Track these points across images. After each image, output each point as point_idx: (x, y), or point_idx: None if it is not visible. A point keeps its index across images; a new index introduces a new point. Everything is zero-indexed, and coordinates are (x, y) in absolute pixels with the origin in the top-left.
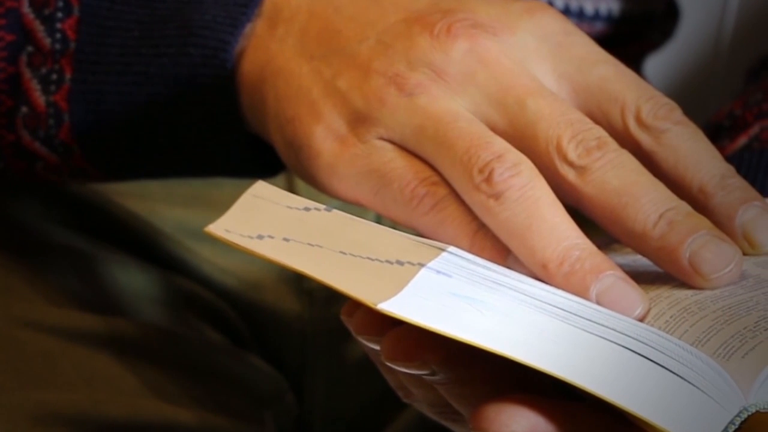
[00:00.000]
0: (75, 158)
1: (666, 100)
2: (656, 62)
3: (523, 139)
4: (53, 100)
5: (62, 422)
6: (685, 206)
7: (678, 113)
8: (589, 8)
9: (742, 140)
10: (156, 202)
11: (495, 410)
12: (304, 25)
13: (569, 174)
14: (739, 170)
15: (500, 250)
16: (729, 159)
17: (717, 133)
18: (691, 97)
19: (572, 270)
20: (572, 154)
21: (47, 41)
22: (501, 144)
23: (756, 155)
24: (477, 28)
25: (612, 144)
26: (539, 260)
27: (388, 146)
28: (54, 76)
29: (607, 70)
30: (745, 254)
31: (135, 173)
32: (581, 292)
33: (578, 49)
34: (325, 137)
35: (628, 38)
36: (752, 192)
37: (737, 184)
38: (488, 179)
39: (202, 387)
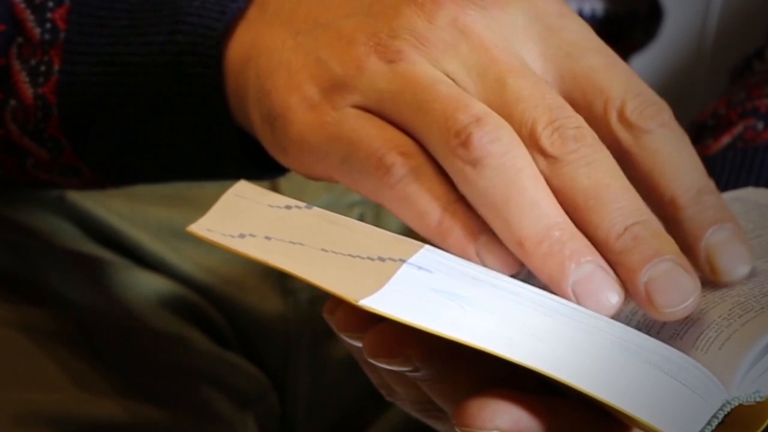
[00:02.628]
0: (65, 154)
1: (656, 99)
2: (640, 62)
3: None
4: (41, 92)
5: (45, 422)
6: (654, 222)
7: (666, 115)
8: (572, 8)
9: (726, 139)
10: (139, 202)
11: (478, 405)
12: (295, 7)
13: (539, 162)
14: (723, 169)
15: (471, 230)
16: (713, 158)
17: (701, 132)
18: (675, 96)
19: (551, 251)
20: (546, 141)
21: (37, 31)
22: (480, 107)
23: (740, 154)
24: None
25: (590, 137)
26: (516, 236)
27: (362, 113)
28: (42, 68)
29: (598, 60)
30: (704, 280)
31: (127, 172)
32: (558, 277)
33: (571, 33)
34: (298, 106)
35: (612, 38)
36: (727, 213)
37: (713, 201)
38: (466, 143)
39: (185, 387)
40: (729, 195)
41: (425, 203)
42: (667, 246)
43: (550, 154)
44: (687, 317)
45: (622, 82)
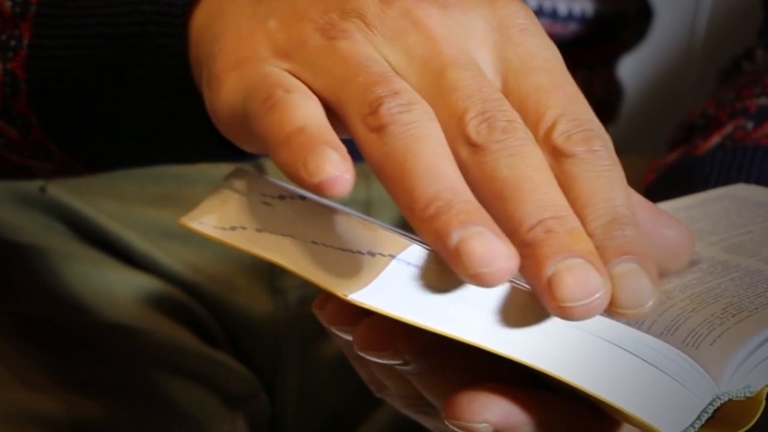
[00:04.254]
0: (35, 133)
1: (592, 126)
2: (630, 63)
3: (432, 108)
4: (10, 67)
5: (34, 422)
6: (572, 221)
7: (596, 143)
8: (562, 9)
9: (715, 139)
10: (129, 202)
11: (468, 399)
12: None
13: (462, 151)
14: (712, 168)
15: (313, 143)
16: (702, 158)
17: (690, 132)
18: (665, 96)
19: (437, 213)
20: (472, 130)
21: (8, 5)
22: (402, 85)
23: (729, 153)
24: None
25: (522, 131)
26: (407, 202)
27: (284, 72)
28: (12, 43)
29: (544, 80)
30: (698, 279)
31: (97, 153)
32: (442, 236)
33: (526, 49)
34: (233, 68)
35: (601, 39)
36: (637, 246)
37: (624, 233)
38: (374, 112)
39: (174, 387)
40: (720, 191)
41: (288, 117)
42: (580, 244)
43: (474, 141)
44: (679, 314)
45: (561, 105)
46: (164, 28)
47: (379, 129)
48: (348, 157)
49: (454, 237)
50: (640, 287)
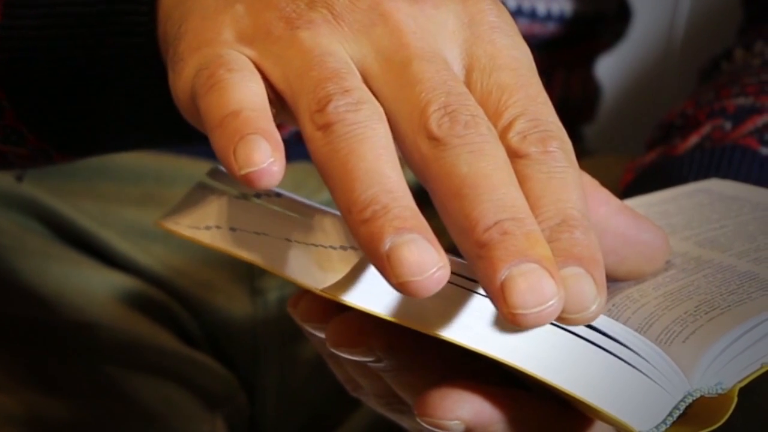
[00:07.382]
0: (6, 117)
1: (551, 127)
2: (609, 62)
3: (395, 101)
4: None
5: (15, 423)
6: (530, 223)
7: (552, 144)
8: (541, 9)
9: (693, 139)
10: (108, 202)
11: (440, 395)
12: None
13: (422, 145)
14: (690, 168)
15: (245, 129)
16: (680, 158)
17: (669, 132)
18: (643, 96)
19: (373, 217)
20: (433, 123)
21: None
22: (355, 82)
23: (707, 154)
24: None
25: (484, 127)
26: (345, 204)
27: (241, 55)
28: None
29: (508, 78)
30: (671, 277)
31: (70, 137)
32: (375, 241)
33: (494, 46)
34: (196, 48)
35: (580, 38)
36: (586, 249)
37: (574, 236)
38: (322, 109)
39: (153, 387)
40: (693, 186)
41: (226, 99)
42: (536, 248)
43: (435, 135)
44: (652, 312)
45: (521, 105)
46: (133, 5)
47: (325, 127)
48: (280, 147)
49: (387, 242)
50: (582, 291)
